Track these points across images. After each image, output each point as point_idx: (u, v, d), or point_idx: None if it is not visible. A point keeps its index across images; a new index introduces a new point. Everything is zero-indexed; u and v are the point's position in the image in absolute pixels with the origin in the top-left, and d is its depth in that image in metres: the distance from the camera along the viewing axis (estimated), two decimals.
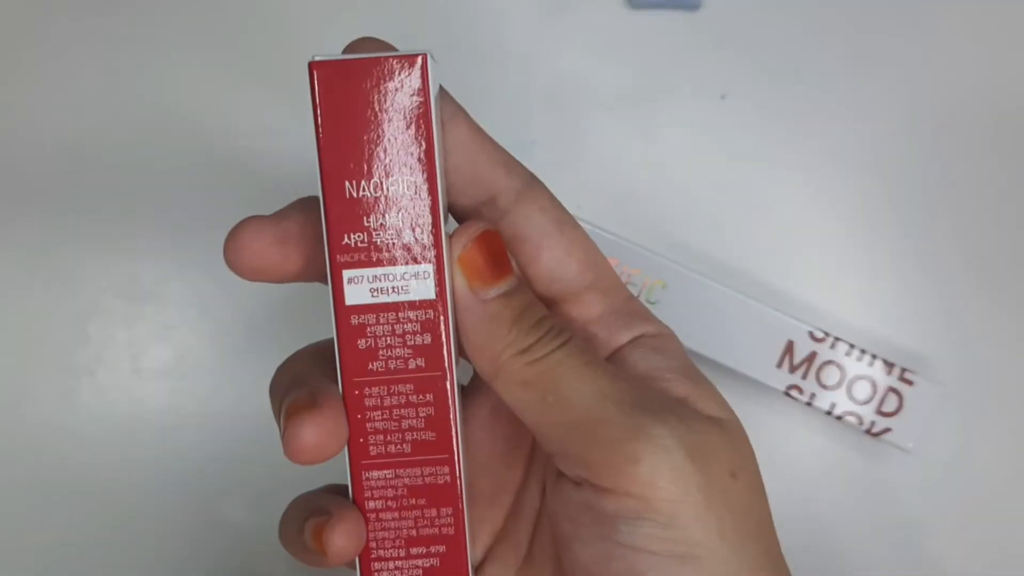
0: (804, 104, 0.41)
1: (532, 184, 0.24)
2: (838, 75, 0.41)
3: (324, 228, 0.21)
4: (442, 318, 0.22)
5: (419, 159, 0.21)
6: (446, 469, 0.22)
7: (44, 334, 0.41)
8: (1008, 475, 0.41)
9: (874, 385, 0.38)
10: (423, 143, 0.21)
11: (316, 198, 0.22)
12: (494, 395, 0.23)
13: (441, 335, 0.22)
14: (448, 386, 0.22)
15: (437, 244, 0.21)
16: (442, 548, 0.23)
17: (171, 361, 0.41)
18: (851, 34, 0.41)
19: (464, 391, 0.25)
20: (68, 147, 0.41)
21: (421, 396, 0.22)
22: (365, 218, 0.21)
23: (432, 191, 0.21)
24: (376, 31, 0.40)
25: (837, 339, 0.38)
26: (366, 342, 0.22)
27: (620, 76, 0.41)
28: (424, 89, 0.21)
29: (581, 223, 0.37)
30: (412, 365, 0.22)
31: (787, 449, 0.41)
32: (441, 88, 0.23)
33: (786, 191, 0.41)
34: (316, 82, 0.20)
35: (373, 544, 0.23)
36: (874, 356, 0.38)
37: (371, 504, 0.22)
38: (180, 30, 0.41)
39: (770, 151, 0.41)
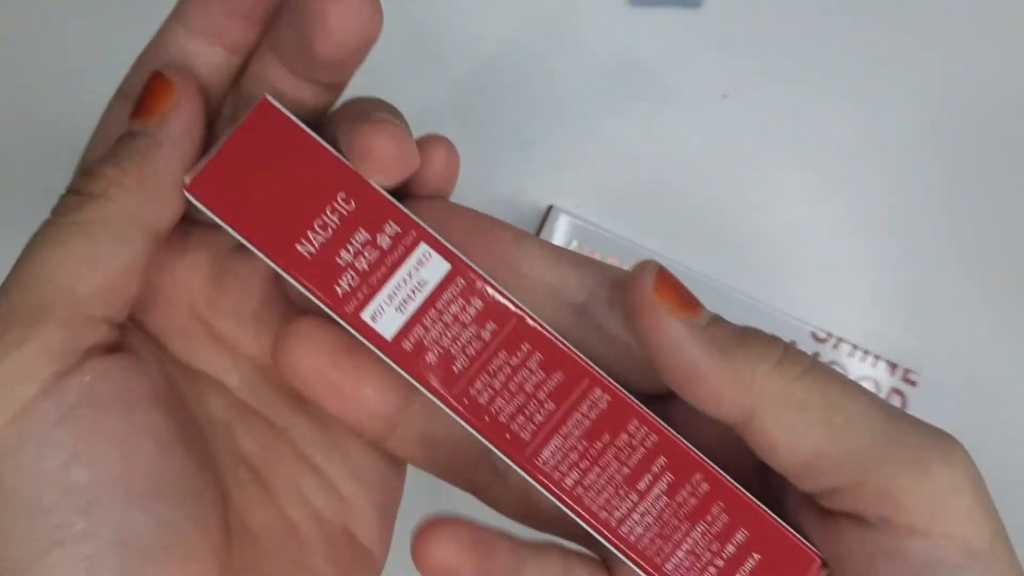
0: (805, 103, 0.41)
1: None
2: (839, 74, 0.41)
3: (313, 298, 0.20)
4: (473, 274, 0.20)
5: (335, 172, 0.20)
6: (599, 392, 0.20)
7: None
8: (1012, 475, 0.41)
9: (877, 386, 0.38)
10: (326, 158, 0.20)
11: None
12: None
13: (486, 289, 0.20)
14: (532, 323, 0.20)
15: (411, 224, 0.20)
16: (663, 460, 0.20)
17: None
18: (853, 32, 0.41)
19: None
20: (72, 143, 0.41)
21: (518, 351, 0.20)
22: (338, 257, 0.20)
23: (364, 186, 0.20)
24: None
25: (840, 339, 0.38)
26: (433, 354, 0.20)
27: (620, 74, 0.41)
28: (283, 117, 0.20)
29: (580, 222, 0.37)
30: (486, 335, 0.20)
31: None
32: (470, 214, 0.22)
33: (788, 190, 0.41)
34: (202, 199, 0.20)
35: (611, 520, 0.20)
36: (877, 357, 0.38)
37: (568, 481, 0.20)
38: None
39: (771, 150, 0.41)
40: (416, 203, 0.21)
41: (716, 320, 0.20)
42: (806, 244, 0.41)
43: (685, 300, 0.19)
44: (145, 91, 0.20)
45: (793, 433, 0.18)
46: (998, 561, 0.18)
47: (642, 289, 0.19)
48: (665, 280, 0.19)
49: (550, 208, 0.38)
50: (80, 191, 0.19)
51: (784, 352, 0.19)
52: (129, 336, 0.21)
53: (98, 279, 0.19)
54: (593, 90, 0.41)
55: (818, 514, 0.19)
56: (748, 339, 0.19)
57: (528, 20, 0.41)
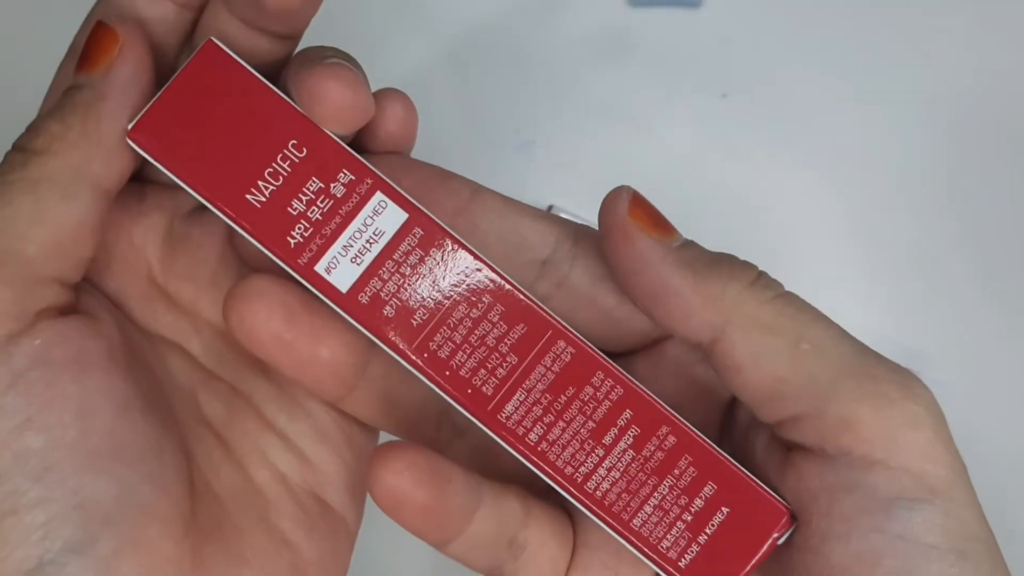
0: (805, 103, 0.41)
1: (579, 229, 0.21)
2: (840, 73, 0.41)
3: (264, 250, 0.19)
4: (432, 224, 0.19)
5: (286, 118, 0.19)
6: (563, 344, 0.19)
7: None
8: (1011, 473, 0.41)
9: None
10: (277, 104, 0.19)
11: None
12: None
13: (446, 240, 0.19)
14: (494, 275, 0.19)
15: (366, 172, 0.19)
16: (629, 413, 0.19)
17: None
18: (853, 32, 0.41)
19: None
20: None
21: (478, 303, 0.19)
22: (289, 207, 0.19)
23: (317, 133, 0.19)
24: (374, 31, 0.40)
25: None
26: (391, 307, 0.19)
27: (620, 74, 0.41)
28: (231, 60, 0.19)
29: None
30: (445, 287, 0.19)
31: None
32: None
33: (787, 190, 0.41)
34: (143, 146, 0.19)
35: (576, 476, 0.19)
36: None
37: (532, 436, 0.19)
38: None
39: (771, 150, 0.41)
40: (370, 158, 0.20)
41: (689, 243, 0.20)
42: (805, 243, 0.41)
43: (658, 222, 0.19)
44: (88, 42, 0.19)
45: (759, 355, 0.18)
46: (958, 499, 0.18)
47: (615, 210, 0.19)
48: (638, 202, 0.19)
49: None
50: (24, 148, 0.19)
51: (757, 276, 0.19)
52: (86, 298, 0.20)
53: (46, 238, 0.18)
54: (593, 90, 0.41)
55: (782, 460, 0.19)
56: (721, 261, 0.19)
57: (527, 20, 0.41)
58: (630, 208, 0.19)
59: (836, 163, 0.41)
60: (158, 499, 0.19)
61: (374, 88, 0.20)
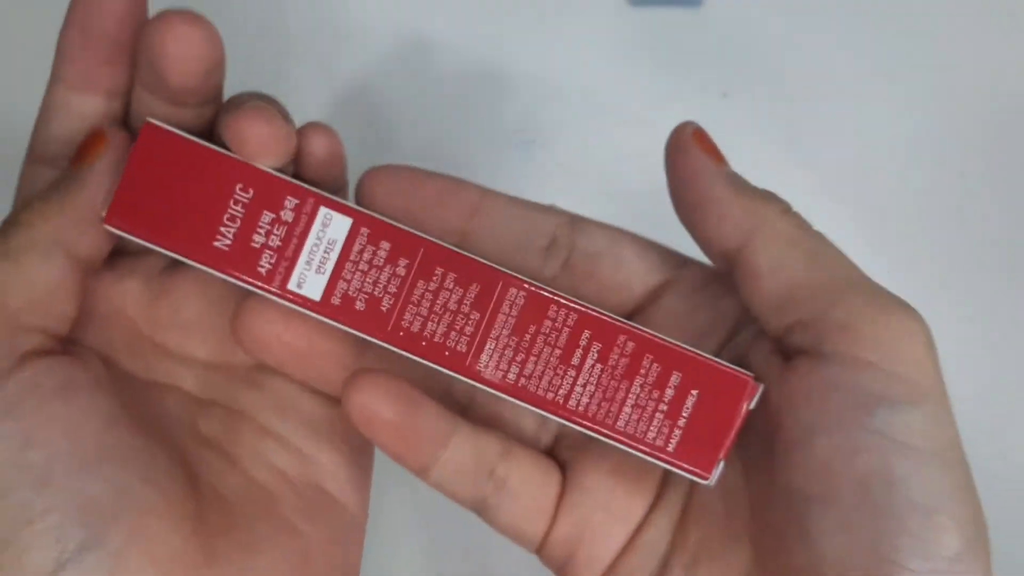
0: (806, 103, 0.41)
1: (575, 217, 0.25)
2: (840, 73, 0.41)
3: (242, 284, 0.22)
4: (374, 221, 0.22)
5: (227, 167, 0.21)
6: (514, 291, 0.22)
7: None
8: (1014, 471, 0.41)
9: None
10: (216, 157, 0.21)
11: None
12: None
13: (388, 230, 0.22)
14: (437, 247, 0.22)
15: (307, 193, 0.22)
16: (588, 333, 0.22)
17: None
18: (854, 32, 0.41)
19: None
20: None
21: (433, 276, 0.22)
22: (251, 242, 0.21)
23: (256, 172, 0.21)
24: (373, 31, 0.40)
25: None
26: (361, 302, 0.22)
27: (620, 74, 0.41)
28: (169, 133, 0.21)
29: None
30: (400, 271, 0.22)
31: None
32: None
33: (788, 191, 0.40)
34: (120, 227, 0.21)
35: (557, 399, 0.22)
36: None
37: (511, 376, 0.22)
38: None
39: (771, 150, 0.41)
40: (384, 171, 0.23)
41: (739, 175, 0.22)
42: None
43: (715, 151, 0.22)
44: (84, 143, 0.22)
45: (779, 263, 0.21)
46: (938, 408, 0.19)
47: (681, 133, 0.22)
48: (700, 133, 0.23)
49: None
50: (12, 222, 0.21)
51: (792, 209, 0.22)
52: (74, 348, 0.22)
53: (26, 293, 0.20)
54: (593, 90, 0.41)
55: (780, 369, 0.21)
56: (763, 190, 0.22)
57: (528, 20, 0.41)
58: (694, 134, 0.22)
59: (837, 163, 0.41)
60: (154, 495, 0.21)
61: (358, 114, 0.21)
